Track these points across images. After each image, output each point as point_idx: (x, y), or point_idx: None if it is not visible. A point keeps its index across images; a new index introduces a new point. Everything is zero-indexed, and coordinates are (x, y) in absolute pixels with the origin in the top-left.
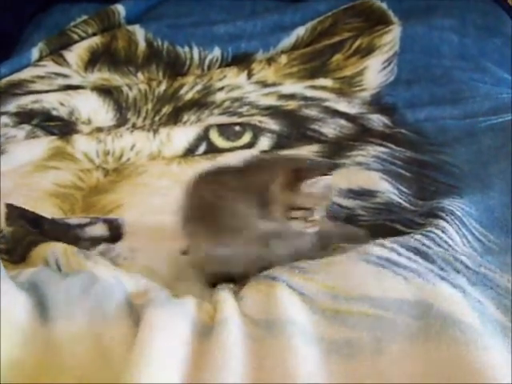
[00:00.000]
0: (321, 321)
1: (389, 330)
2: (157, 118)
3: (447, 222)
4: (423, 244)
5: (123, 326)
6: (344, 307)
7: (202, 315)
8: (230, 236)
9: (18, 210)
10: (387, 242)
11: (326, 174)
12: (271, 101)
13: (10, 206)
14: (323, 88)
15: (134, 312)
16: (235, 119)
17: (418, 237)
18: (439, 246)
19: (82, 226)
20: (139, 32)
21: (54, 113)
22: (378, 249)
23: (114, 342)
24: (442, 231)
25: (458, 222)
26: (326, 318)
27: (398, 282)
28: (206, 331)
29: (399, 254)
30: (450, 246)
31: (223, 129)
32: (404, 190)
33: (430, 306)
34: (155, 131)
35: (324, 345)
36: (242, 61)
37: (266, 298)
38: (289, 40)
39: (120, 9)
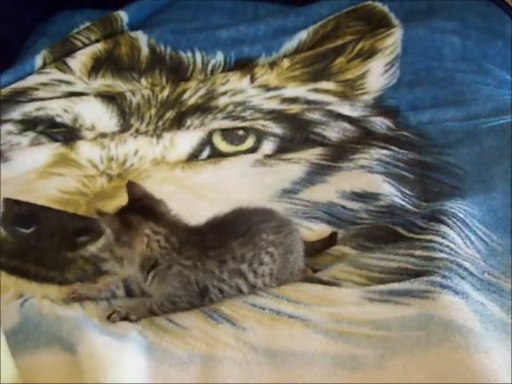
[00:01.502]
0: (324, 339)
1: (392, 347)
2: (160, 123)
3: (448, 225)
4: (423, 258)
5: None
6: (347, 329)
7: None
8: None
9: (15, 208)
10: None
11: None
12: (274, 104)
13: (7, 202)
14: (326, 91)
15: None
16: (238, 123)
17: (418, 252)
18: (441, 251)
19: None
20: (142, 38)
21: (58, 119)
22: (382, 286)
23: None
24: (443, 237)
25: (460, 224)
26: (329, 337)
27: (400, 308)
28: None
29: (400, 282)
30: (452, 249)
31: (227, 133)
32: (407, 192)
33: (431, 317)
34: (159, 136)
35: (328, 360)
36: (244, 65)
37: (269, 329)
38: (291, 44)
39: (123, 15)
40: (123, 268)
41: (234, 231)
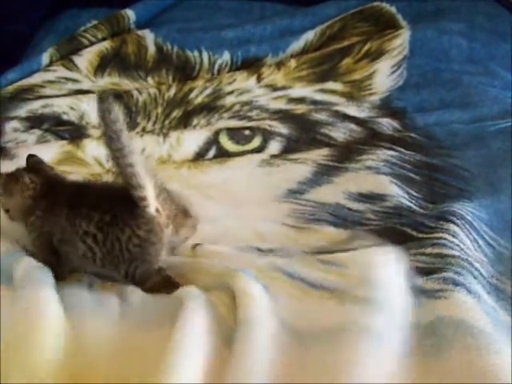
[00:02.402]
0: (351, 307)
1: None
2: (166, 122)
3: (458, 226)
4: (437, 254)
5: (158, 333)
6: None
7: (222, 311)
8: None
9: None
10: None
11: None
12: (281, 104)
13: None
14: (333, 92)
15: (170, 314)
16: (245, 123)
17: (429, 250)
18: (452, 249)
19: None
20: (149, 36)
21: (65, 117)
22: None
23: (146, 344)
24: (453, 236)
25: (468, 227)
26: (356, 303)
27: (415, 307)
28: (228, 332)
29: (414, 276)
30: (462, 249)
31: (233, 133)
32: (414, 193)
33: (441, 319)
34: (165, 135)
35: (353, 328)
36: (251, 65)
37: (301, 305)
38: (298, 44)
39: (130, 13)
40: (12, 220)
41: (69, 200)
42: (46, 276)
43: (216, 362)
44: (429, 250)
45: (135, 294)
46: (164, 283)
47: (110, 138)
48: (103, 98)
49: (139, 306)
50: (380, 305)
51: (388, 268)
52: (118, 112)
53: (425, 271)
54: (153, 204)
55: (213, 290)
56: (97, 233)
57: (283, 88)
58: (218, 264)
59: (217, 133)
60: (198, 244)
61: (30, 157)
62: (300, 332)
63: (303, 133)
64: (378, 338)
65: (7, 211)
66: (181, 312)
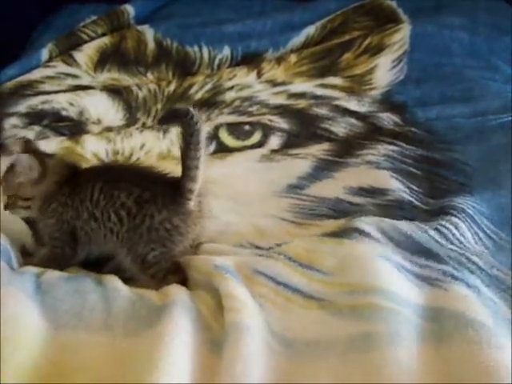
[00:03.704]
0: (339, 321)
1: (404, 324)
2: None
3: (459, 219)
4: (436, 241)
5: (143, 337)
6: (360, 302)
7: (206, 315)
8: None
9: None
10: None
11: None
12: (281, 100)
13: None
14: (333, 87)
15: (156, 316)
16: (245, 118)
17: (432, 233)
18: (452, 243)
19: None
20: (148, 32)
21: (64, 113)
22: (394, 254)
23: (131, 347)
24: (456, 227)
25: (469, 220)
26: (343, 316)
27: (412, 288)
28: (213, 337)
29: (411, 262)
30: (462, 243)
31: (233, 128)
32: (415, 188)
33: (441, 310)
34: (165, 131)
35: (342, 342)
36: (251, 60)
37: (284, 313)
38: (298, 39)
39: (129, 9)
40: (28, 210)
41: (102, 175)
42: (24, 281)
43: (203, 370)
44: (432, 233)
45: (119, 299)
46: (172, 269)
47: (192, 134)
48: (182, 111)
49: (122, 312)
50: (367, 315)
51: (373, 263)
52: (196, 115)
53: (425, 253)
54: (194, 200)
55: (200, 289)
56: (133, 207)
57: (283, 83)
58: (210, 260)
59: (217, 128)
60: (199, 243)
61: (27, 142)
62: (290, 342)
63: (303, 128)
64: (368, 349)
65: (27, 200)
66: (165, 319)
